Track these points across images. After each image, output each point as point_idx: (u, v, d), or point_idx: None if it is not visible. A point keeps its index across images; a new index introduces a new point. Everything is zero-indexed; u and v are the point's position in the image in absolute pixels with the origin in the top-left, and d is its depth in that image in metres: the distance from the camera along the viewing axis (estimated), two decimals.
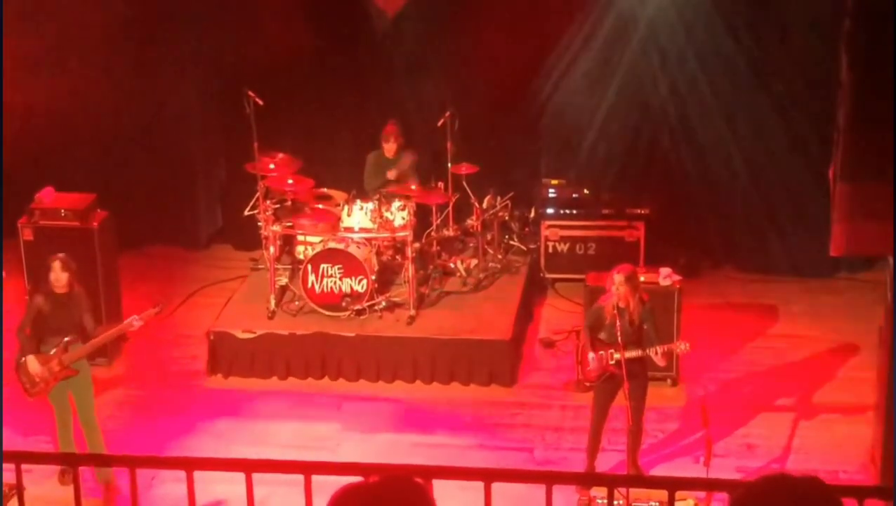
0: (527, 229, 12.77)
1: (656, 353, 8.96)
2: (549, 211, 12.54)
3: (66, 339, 9.00)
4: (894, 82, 7.47)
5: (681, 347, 9.23)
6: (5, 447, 9.28)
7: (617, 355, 8.94)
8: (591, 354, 9.13)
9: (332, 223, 11.52)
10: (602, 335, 9.14)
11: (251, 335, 11.13)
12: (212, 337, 11.15)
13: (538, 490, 4.34)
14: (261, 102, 11.40)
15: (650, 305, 9.12)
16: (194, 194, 13.51)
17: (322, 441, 10.08)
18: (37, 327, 9.07)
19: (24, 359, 9.04)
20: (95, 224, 11.01)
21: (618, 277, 8.94)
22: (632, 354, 8.92)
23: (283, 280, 11.76)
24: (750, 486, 3.07)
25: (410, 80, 12.79)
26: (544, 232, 12.52)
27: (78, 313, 9.04)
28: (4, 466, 4.59)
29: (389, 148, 12.00)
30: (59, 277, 8.95)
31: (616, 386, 9.12)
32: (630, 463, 9.12)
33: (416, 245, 11.48)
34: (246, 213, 12.04)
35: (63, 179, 11.69)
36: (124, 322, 9.17)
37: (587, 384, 9.42)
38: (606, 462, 9.63)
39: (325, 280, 11.27)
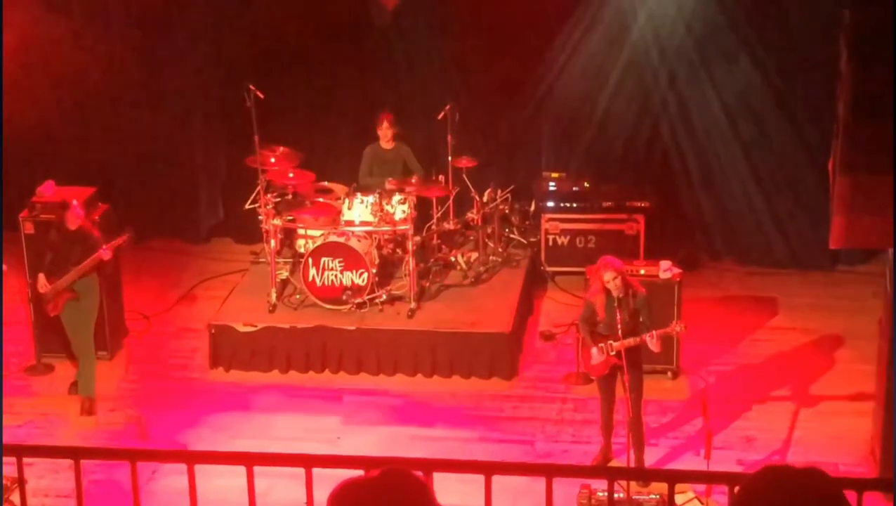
0: (527, 223, 12.78)
1: (652, 336, 8.95)
2: (550, 204, 12.54)
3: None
4: (894, 74, 7.48)
5: (677, 328, 9.21)
6: (8, 440, 9.32)
7: (616, 345, 8.97)
8: (593, 350, 9.16)
9: (333, 217, 11.53)
10: (600, 328, 9.17)
11: (252, 329, 11.15)
12: (213, 330, 11.16)
13: (538, 483, 4.36)
14: (262, 96, 11.40)
15: (645, 296, 9.12)
16: (195, 188, 13.52)
17: (323, 434, 10.09)
18: (53, 258, 10.25)
19: (38, 276, 10.25)
20: (96, 217, 11.02)
21: (608, 274, 8.97)
22: (629, 342, 8.96)
23: (284, 274, 11.77)
24: (752, 477, 3.08)
25: (410, 73, 12.79)
26: (544, 225, 12.53)
27: (84, 248, 10.11)
28: (6, 459, 4.61)
29: (384, 134, 11.99)
30: (74, 213, 10.13)
31: (615, 384, 9.18)
32: (633, 456, 9.13)
33: (417, 238, 11.49)
34: (247, 206, 12.04)
35: (64, 172, 11.71)
36: (98, 252, 10.10)
37: (593, 378, 9.46)
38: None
39: (325, 273, 11.28)
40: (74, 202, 10.23)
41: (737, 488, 3.13)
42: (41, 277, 10.22)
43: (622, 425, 9.28)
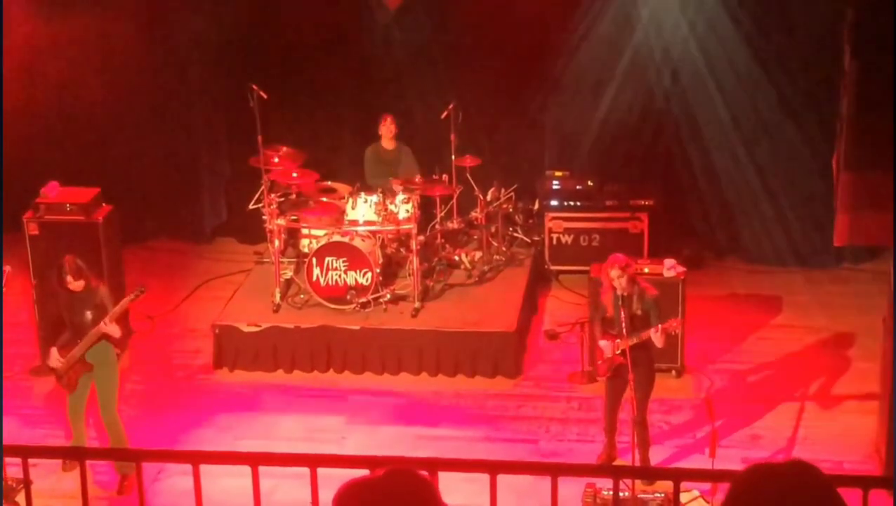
0: (531, 221, 12.77)
1: (657, 330, 8.93)
2: (553, 203, 12.54)
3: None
4: None
5: (674, 324, 9.17)
6: (13, 441, 9.33)
7: (620, 343, 8.96)
8: (602, 342, 9.15)
9: (337, 216, 11.53)
10: (611, 326, 9.16)
11: (256, 329, 11.15)
12: (217, 331, 11.16)
13: (543, 482, 4.35)
14: (265, 96, 11.41)
15: (654, 298, 9.10)
16: (199, 188, 13.52)
17: (327, 434, 10.09)
18: (65, 325, 9.33)
19: (50, 351, 9.34)
20: (100, 218, 11.03)
21: (615, 272, 8.95)
22: (633, 340, 8.94)
23: (288, 273, 11.77)
24: (739, 478, 3.08)
25: (414, 72, 12.79)
26: (548, 224, 12.53)
27: (95, 307, 9.18)
28: (12, 460, 4.62)
29: (387, 132, 11.99)
30: (71, 280, 9.14)
31: (622, 383, 9.16)
32: (639, 456, 9.12)
33: (421, 238, 11.48)
34: (250, 206, 12.05)
35: (67, 173, 11.71)
36: (101, 324, 9.13)
37: (598, 379, 9.43)
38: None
39: (329, 273, 11.28)
40: (67, 266, 9.10)
41: (726, 489, 3.12)
42: (53, 351, 9.27)
43: (624, 423, 9.27)
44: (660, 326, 8.93)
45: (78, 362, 9.22)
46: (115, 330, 9.18)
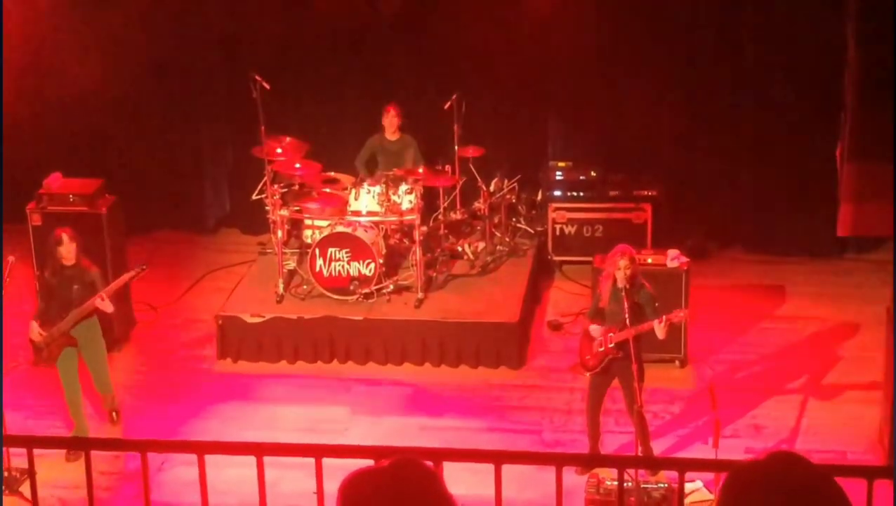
0: (534, 212, 12.76)
1: (661, 321, 8.89)
2: (557, 193, 12.53)
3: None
4: None
5: (679, 315, 9.15)
6: (17, 432, 9.34)
7: (621, 334, 8.92)
8: (593, 327, 9.09)
9: (340, 207, 11.53)
10: (604, 319, 9.14)
11: (260, 319, 11.16)
12: (220, 321, 11.17)
13: (546, 472, 4.36)
14: (268, 86, 11.40)
15: (650, 294, 9.08)
16: (202, 179, 13.52)
17: (331, 424, 10.11)
18: (48, 301, 9.51)
19: (30, 324, 9.47)
20: (103, 209, 11.03)
21: (623, 261, 8.93)
22: (631, 331, 8.87)
23: (291, 264, 11.78)
24: (722, 488, 3.07)
25: (417, 62, 12.78)
26: (551, 214, 12.52)
27: (83, 285, 9.36)
28: (17, 450, 4.63)
29: (389, 123, 11.99)
30: (68, 248, 9.31)
31: (611, 377, 9.14)
32: (640, 446, 9.12)
33: (424, 228, 11.48)
34: (253, 197, 12.05)
35: (71, 164, 11.72)
36: (94, 299, 9.32)
37: (586, 373, 9.31)
38: (615, 443, 9.66)
39: (333, 264, 11.28)
40: (64, 236, 9.36)
41: (721, 484, 3.12)
42: (33, 324, 9.41)
43: (623, 414, 9.26)
44: (665, 316, 8.89)
45: (62, 336, 9.36)
46: (108, 306, 9.33)
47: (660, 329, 8.92)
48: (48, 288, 9.53)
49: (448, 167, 11.88)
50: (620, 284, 8.93)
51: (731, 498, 3.02)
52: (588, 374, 9.26)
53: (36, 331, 9.41)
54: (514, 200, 12.49)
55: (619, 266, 8.91)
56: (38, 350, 9.47)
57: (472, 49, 12.49)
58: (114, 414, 10.06)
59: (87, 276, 9.42)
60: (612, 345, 8.99)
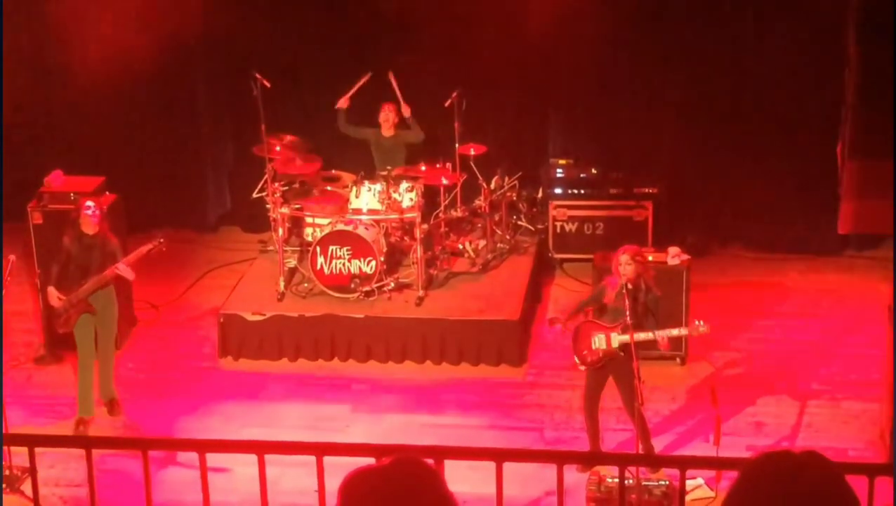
0: (535, 210, 12.76)
1: (663, 339, 8.90)
2: (557, 191, 12.53)
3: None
4: None
5: (700, 329, 9.13)
6: (17, 430, 9.34)
7: (624, 337, 8.91)
8: (597, 336, 9.08)
9: (341, 205, 11.54)
10: (606, 317, 9.14)
11: (261, 317, 11.16)
12: (222, 319, 11.18)
13: (547, 470, 4.37)
14: (268, 84, 11.40)
15: (657, 298, 9.07)
16: (203, 177, 13.52)
17: (332, 422, 10.11)
18: (66, 267, 9.67)
19: (48, 290, 9.67)
20: (104, 207, 11.02)
21: (623, 258, 8.95)
22: (640, 336, 8.89)
23: (292, 262, 11.78)
24: (751, 464, 3.08)
25: (417, 60, 12.76)
26: (552, 212, 12.52)
27: (103, 254, 9.60)
28: (18, 449, 4.63)
29: (384, 120, 11.96)
30: (91, 218, 9.56)
31: (608, 374, 9.14)
32: (641, 443, 9.12)
33: (425, 226, 11.48)
34: (254, 195, 12.06)
35: (71, 162, 11.72)
36: (115, 264, 9.58)
37: (581, 368, 9.29)
38: (616, 441, 9.66)
39: (333, 262, 11.29)
40: (90, 203, 9.62)
41: (735, 476, 3.13)
42: (52, 290, 9.61)
43: (612, 412, 9.27)
44: (684, 328, 8.98)
45: (80, 302, 9.59)
46: (129, 273, 9.62)
47: (663, 342, 8.95)
48: (67, 254, 9.65)
49: (449, 165, 11.87)
50: (621, 282, 8.94)
51: (743, 491, 3.03)
52: (583, 368, 9.25)
53: (55, 296, 9.59)
54: (514, 198, 12.48)
55: (619, 262, 8.94)
56: (57, 316, 9.66)
57: (472, 47, 12.48)
58: (113, 404, 10.16)
59: (108, 245, 9.63)
60: (615, 346, 8.97)
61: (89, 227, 9.56)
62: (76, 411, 9.89)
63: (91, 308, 9.66)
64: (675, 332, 9.11)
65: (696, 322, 9.13)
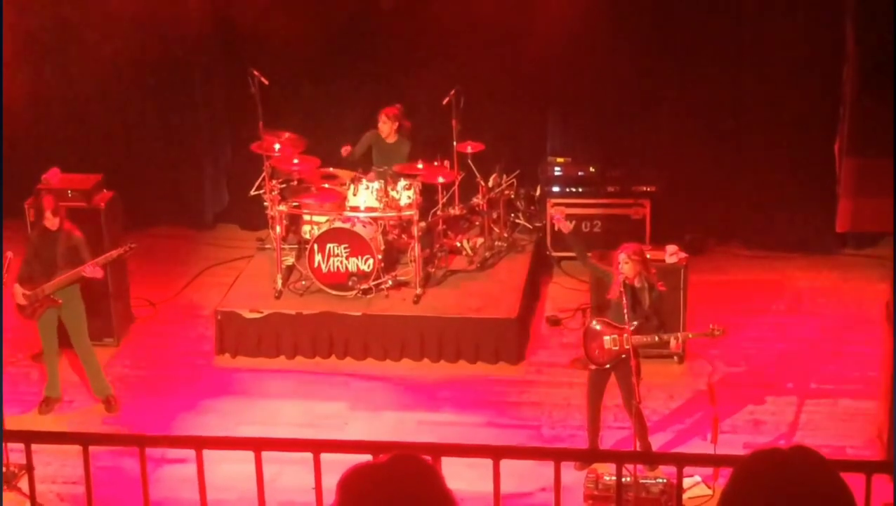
0: (532, 207, 12.76)
1: (677, 338, 8.95)
2: (555, 189, 12.53)
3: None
4: None
5: (716, 332, 9.14)
6: (15, 427, 9.34)
7: (642, 339, 8.92)
8: (608, 337, 9.07)
9: (338, 203, 11.53)
10: (609, 314, 9.15)
11: (258, 315, 11.16)
12: (219, 317, 11.17)
13: (544, 467, 4.36)
14: (266, 82, 11.39)
15: (660, 295, 9.07)
16: (200, 174, 13.51)
17: (330, 420, 10.11)
18: (31, 262, 9.94)
19: (13, 288, 9.91)
20: (102, 204, 11.03)
21: (622, 256, 8.96)
22: (646, 339, 8.91)
23: (290, 260, 11.77)
24: (744, 462, 3.08)
25: (416, 57, 12.75)
26: (550, 210, 12.50)
27: (67, 248, 9.79)
28: (15, 445, 4.62)
29: (383, 127, 11.88)
30: (49, 216, 9.77)
31: (609, 372, 9.14)
32: (638, 441, 9.12)
33: (422, 224, 11.48)
34: (252, 193, 12.05)
35: (69, 159, 11.70)
36: (82, 266, 9.75)
37: (592, 367, 9.30)
38: (614, 439, 9.66)
39: (331, 259, 11.28)
40: (46, 204, 9.80)
41: (730, 474, 3.13)
42: (17, 287, 9.85)
43: (610, 410, 9.26)
44: (682, 334, 9.01)
45: (46, 298, 9.84)
46: (97, 273, 9.77)
47: (674, 344, 8.97)
48: (34, 248, 9.91)
49: (446, 163, 11.86)
50: (622, 279, 8.95)
51: (737, 489, 3.03)
52: (593, 367, 9.25)
53: (20, 294, 9.86)
54: (512, 196, 12.48)
55: (619, 260, 8.95)
56: (23, 308, 9.93)
57: (470, 44, 12.48)
58: (110, 400, 10.23)
59: (71, 239, 9.81)
60: (627, 346, 8.94)
61: (51, 223, 9.76)
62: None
63: (56, 303, 9.89)
64: (690, 335, 9.15)
65: (711, 326, 9.13)
